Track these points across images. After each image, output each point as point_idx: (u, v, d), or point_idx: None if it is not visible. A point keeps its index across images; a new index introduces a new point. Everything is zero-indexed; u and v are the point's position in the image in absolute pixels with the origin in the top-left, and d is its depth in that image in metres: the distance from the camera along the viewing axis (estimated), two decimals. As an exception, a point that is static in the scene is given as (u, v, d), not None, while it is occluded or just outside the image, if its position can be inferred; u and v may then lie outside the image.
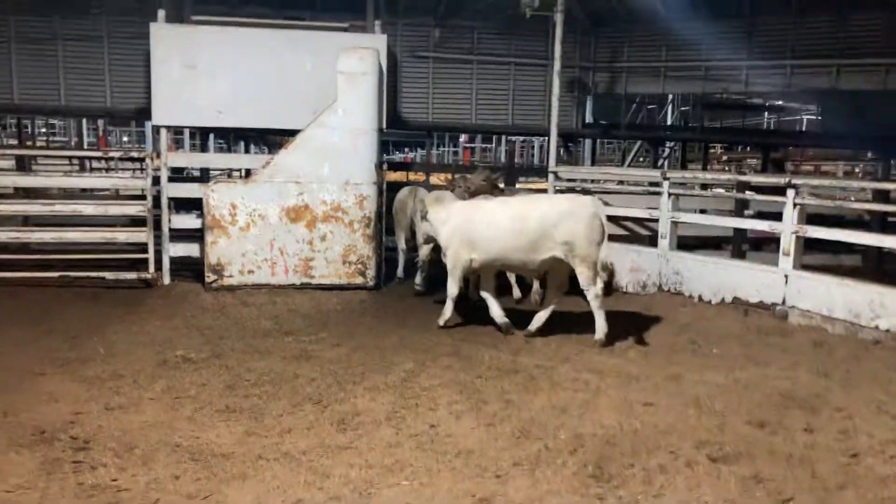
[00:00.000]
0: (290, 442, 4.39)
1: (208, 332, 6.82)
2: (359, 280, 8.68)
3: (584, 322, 7.38)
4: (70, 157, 17.08)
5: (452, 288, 7.12)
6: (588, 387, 5.46)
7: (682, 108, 20.66)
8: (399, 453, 4.27)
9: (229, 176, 14.47)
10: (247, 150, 20.86)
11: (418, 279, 8.69)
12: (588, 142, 15.92)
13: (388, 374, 5.64)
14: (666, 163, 18.35)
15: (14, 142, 17.90)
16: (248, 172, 10.58)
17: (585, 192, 9.59)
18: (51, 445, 4.22)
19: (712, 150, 23.73)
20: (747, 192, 8.97)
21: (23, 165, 12.69)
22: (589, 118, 14.12)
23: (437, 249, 7.53)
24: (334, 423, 4.68)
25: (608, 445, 4.40)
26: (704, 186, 10.97)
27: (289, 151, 8.79)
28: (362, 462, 4.14)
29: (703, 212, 10.47)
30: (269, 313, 7.63)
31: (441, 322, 7.13)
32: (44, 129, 23.41)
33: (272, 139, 19.89)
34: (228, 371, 5.63)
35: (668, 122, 20.47)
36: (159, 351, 6.12)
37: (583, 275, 6.65)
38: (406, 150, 35.15)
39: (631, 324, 7.41)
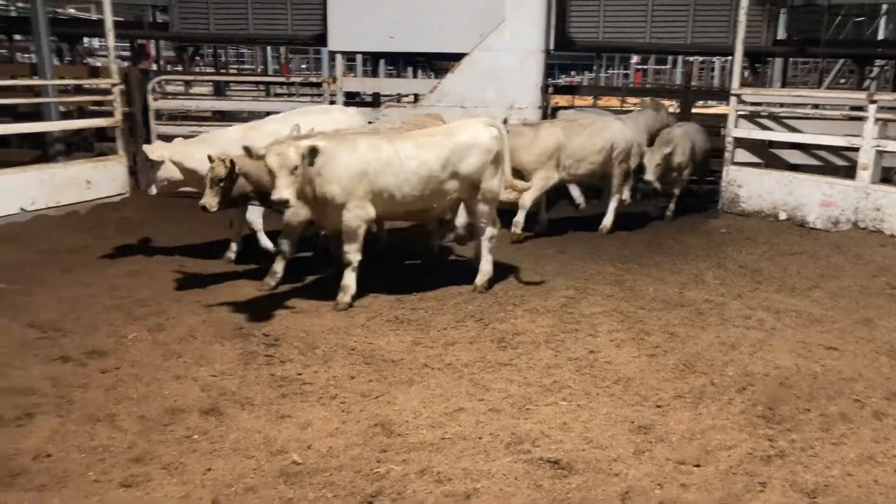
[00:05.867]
0: (453, 354, 4.61)
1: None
2: (519, 204, 8.66)
3: (758, 259, 6.92)
4: (257, 83, 18.47)
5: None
6: (762, 325, 5.14)
7: (900, 20, 17.76)
8: (557, 374, 4.33)
9: (398, 101, 14.91)
10: (414, 76, 21.30)
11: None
12: (779, 61, 14.31)
13: (547, 299, 5.68)
14: (874, 84, 16.06)
15: (211, 70, 19.60)
16: (416, 97, 10.80)
17: (772, 116, 8.74)
18: (247, 340, 4.78)
19: (934, 70, 20.34)
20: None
21: (219, 91, 13.93)
22: (781, 34, 12.63)
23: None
24: (495, 340, 4.84)
25: (782, 387, 4.14)
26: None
27: (454, 76, 8.84)
28: (521, 379, 4.27)
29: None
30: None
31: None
32: (234, 58, 25.42)
33: (440, 65, 20.06)
34: (399, 285, 5.93)
35: (880, 37, 17.75)
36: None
37: None
38: (572, 72, 33.90)
39: (817, 262, 6.79)
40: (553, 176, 7.46)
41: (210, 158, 5.41)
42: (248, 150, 4.94)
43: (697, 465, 3.38)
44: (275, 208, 5.19)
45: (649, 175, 7.95)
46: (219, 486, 3.17)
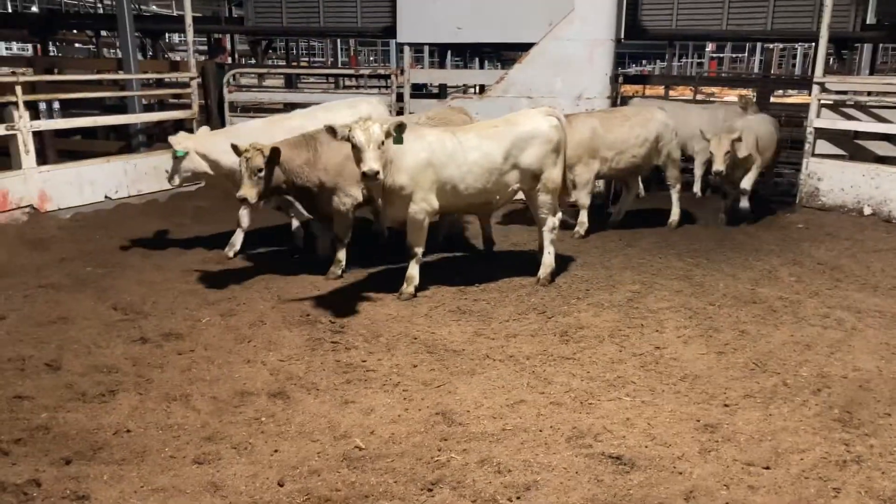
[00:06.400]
0: (515, 346, 4.60)
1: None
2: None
3: (838, 255, 6.60)
4: (327, 76, 18.84)
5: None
6: (841, 325, 4.90)
7: None
8: (621, 370, 4.26)
9: (464, 92, 14.92)
10: (481, 67, 21.23)
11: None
12: (867, 47, 13.54)
13: (612, 293, 5.58)
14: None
15: (283, 63, 20.11)
16: (482, 88, 10.77)
17: (858, 105, 8.28)
18: (314, 326, 4.91)
19: None
20: None
21: (290, 83, 14.27)
22: (871, 18, 11.91)
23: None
24: (557, 333, 4.80)
25: (861, 390, 3.95)
26: None
27: (522, 66, 8.77)
28: (583, 373, 4.22)
29: None
30: (498, 227, 7.89)
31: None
32: (304, 51, 26.00)
33: (507, 55, 19.93)
34: (461, 276, 5.97)
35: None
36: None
37: None
38: (643, 62, 33.05)
39: (903, 260, 6.42)
40: (592, 169, 7.18)
41: (235, 148, 5.30)
42: (331, 130, 4.94)
43: (767, 468, 3.26)
44: (364, 182, 5.02)
45: (718, 165, 7.27)
46: (285, 468, 3.28)
